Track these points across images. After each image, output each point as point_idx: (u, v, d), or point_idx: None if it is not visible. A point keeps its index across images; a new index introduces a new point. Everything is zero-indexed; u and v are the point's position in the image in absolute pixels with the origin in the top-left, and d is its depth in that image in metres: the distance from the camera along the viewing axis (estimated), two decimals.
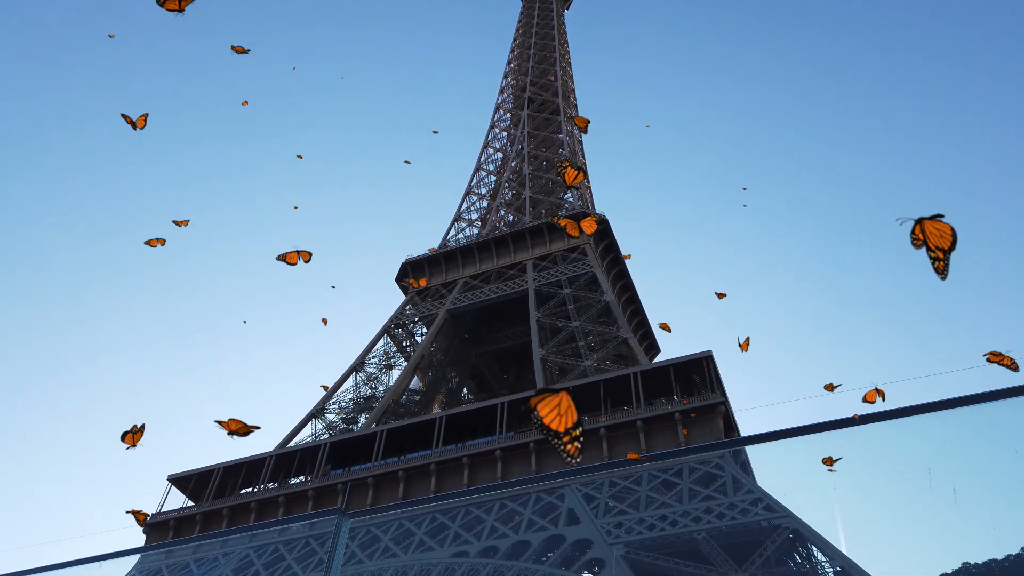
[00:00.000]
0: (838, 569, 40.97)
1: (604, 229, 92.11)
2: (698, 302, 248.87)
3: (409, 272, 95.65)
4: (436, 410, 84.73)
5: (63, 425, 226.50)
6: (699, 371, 58.73)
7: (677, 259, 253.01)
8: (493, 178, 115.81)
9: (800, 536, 43.94)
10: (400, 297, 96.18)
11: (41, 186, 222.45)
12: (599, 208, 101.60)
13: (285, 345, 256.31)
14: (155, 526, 64.51)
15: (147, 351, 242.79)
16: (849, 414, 4.18)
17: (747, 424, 63.79)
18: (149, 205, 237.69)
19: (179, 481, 67.35)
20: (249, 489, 67.00)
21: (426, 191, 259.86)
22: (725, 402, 55.88)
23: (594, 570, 49.31)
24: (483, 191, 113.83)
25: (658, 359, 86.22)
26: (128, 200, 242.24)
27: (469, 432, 64.30)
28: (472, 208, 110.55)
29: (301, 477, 66.31)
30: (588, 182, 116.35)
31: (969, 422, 3.94)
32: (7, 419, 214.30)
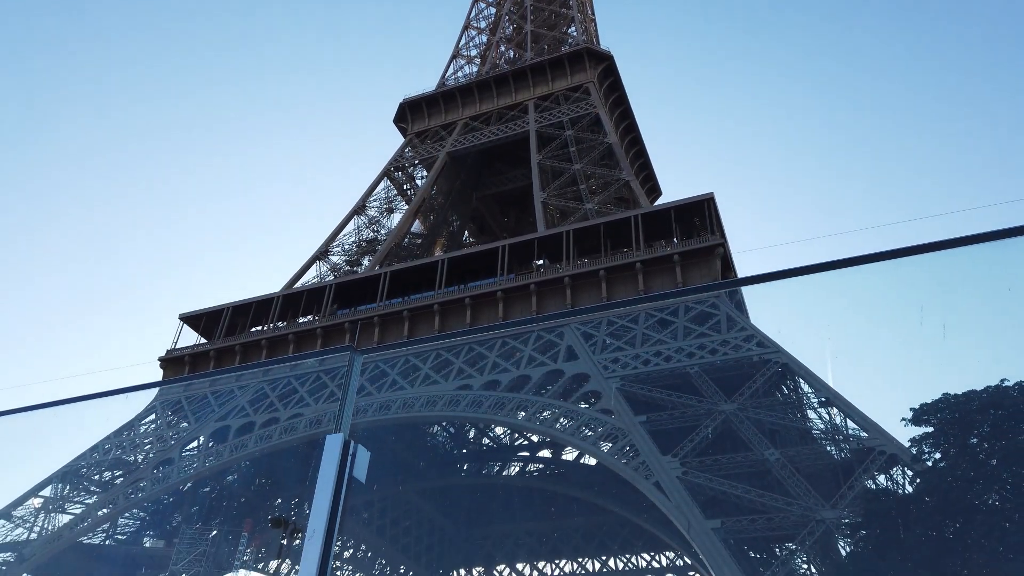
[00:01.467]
0: (823, 399, 43.36)
1: (609, 67, 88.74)
2: (703, 144, 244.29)
3: (407, 113, 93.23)
4: (438, 253, 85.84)
5: (72, 266, 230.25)
6: (700, 214, 58.85)
7: (683, 100, 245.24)
8: (493, 10, 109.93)
9: (789, 370, 46.08)
10: (399, 139, 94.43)
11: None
12: (604, 44, 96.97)
13: (290, 187, 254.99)
14: (171, 362, 67.43)
15: (152, 192, 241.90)
16: (851, 255, 4.20)
17: (746, 267, 64.85)
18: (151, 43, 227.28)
19: (191, 320, 69.54)
20: (258, 328, 69.31)
21: (425, 24, 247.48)
22: (724, 244, 56.47)
23: (591, 401, 52.10)
24: (482, 24, 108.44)
25: (660, 202, 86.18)
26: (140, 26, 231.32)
27: (471, 274, 65.49)
28: (471, 44, 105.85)
29: (308, 317, 68.36)
30: (593, 14, 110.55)
31: (966, 262, 4.01)
32: (12, 261, 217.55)
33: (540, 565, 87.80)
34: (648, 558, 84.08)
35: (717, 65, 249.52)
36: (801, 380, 45.98)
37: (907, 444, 24.31)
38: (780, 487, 38.66)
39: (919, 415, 22.87)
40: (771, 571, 35.40)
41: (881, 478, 38.34)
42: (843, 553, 34.84)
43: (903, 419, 23.41)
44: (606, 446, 45.65)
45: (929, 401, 23.27)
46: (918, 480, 25.80)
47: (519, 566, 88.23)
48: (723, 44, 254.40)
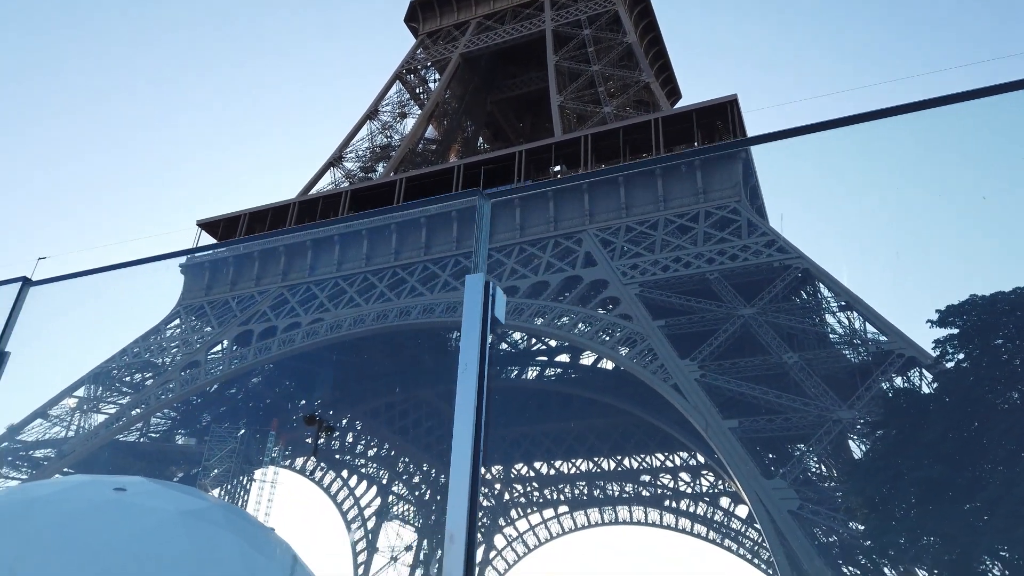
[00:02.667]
0: (843, 303, 43.47)
1: None
2: (725, 45, 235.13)
3: (419, 12, 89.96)
4: (452, 159, 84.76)
5: (85, 164, 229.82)
6: (722, 116, 57.40)
7: None
8: None
9: (809, 275, 46.01)
10: (411, 40, 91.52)
11: None
12: None
13: (303, 91, 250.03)
14: (191, 267, 68.13)
15: (161, 98, 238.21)
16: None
17: (769, 181, 63.35)
18: None
19: (208, 226, 69.77)
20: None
21: None
22: (745, 148, 55.30)
23: (608, 307, 52.53)
24: None
25: (680, 105, 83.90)
26: None
27: (487, 180, 64.80)
28: None
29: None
30: None
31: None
32: (24, 155, 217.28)
33: (556, 464, 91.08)
34: (662, 457, 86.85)
35: None
36: (821, 285, 46.00)
37: (930, 346, 24.46)
38: (797, 389, 39.33)
39: (944, 317, 22.89)
40: (785, 468, 36.46)
41: (899, 380, 38.88)
42: (858, 453, 35.75)
43: (928, 320, 23.43)
44: (625, 350, 46.34)
45: (955, 303, 23.24)
46: (939, 381, 26.05)
47: (536, 464, 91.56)
48: None
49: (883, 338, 40.17)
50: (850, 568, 31.14)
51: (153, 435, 60.88)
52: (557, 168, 62.23)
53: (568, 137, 61.52)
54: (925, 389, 36.22)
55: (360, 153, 77.55)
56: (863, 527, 25.68)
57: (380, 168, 76.93)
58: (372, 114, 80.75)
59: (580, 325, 50.38)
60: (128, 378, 61.07)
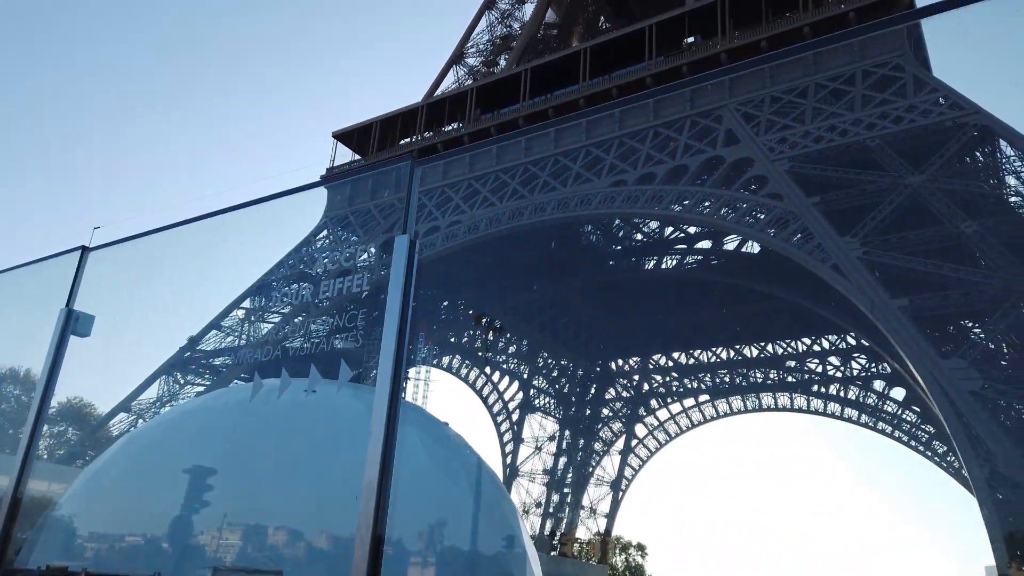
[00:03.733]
0: None
1: None
2: None
3: None
4: (575, 43, 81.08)
5: (219, 83, 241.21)
6: None
7: None
8: None
9: (989, 132, 40.94)
10: None
11: None
12: None
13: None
14: (331, 179, 70.37)
15: (284, 22, 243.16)
16: None
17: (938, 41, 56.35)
18: None
19: (343, 137, 71.33)
20: (407, 140, 70.12)
21: None
22: None
23: (750, 188, 49.43)
24: None
25: None
26: None
27: (617, 62, 61.58)
28: None
29: (454, 124, 68.06)
30: None
31: None
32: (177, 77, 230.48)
33: (696, 353, 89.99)
34: (808, 342, 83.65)
35: None
36: (1003, 143, 40.82)
37: None
38: (975, 262, 35.76)
39: None
40: (964, 347, 33.65)
41: None
42: None
43: None
44: (776, 231, 43.69)
45: None
46: None
47: (675, 355, 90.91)
48: None
49: None
50: None
51: (315, 340, 64.91)
52: (691, 39, 57.94)
53: (701, 3, 56.73)
54: None
55: (481, 47, 75.73)
56: None
57: (502, 61, 74.97)
58: (490, 3, 78.09)
59: (725, 208, 47.85)
60: (286, 288, 65.00)
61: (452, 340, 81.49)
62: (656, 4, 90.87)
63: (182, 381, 58.93)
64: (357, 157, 72.27)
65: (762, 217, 46.51)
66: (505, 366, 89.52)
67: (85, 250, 5.71)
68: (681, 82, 61.23)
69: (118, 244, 6.07)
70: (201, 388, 56.49)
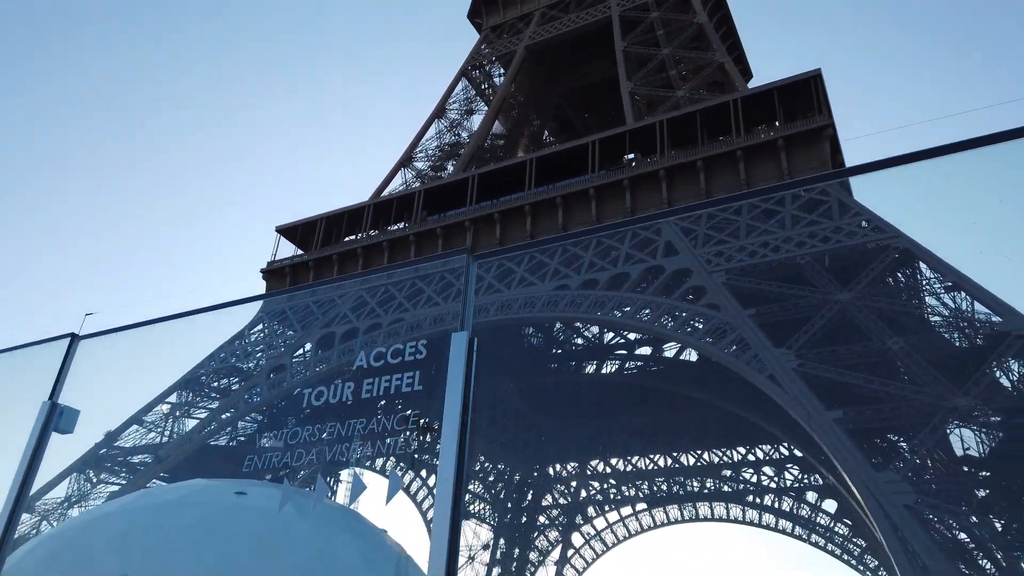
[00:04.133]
0: (948, 284, 40.92)
1: None
2: (800, 21, 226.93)
3: (482, 6, 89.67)
4: (520, 154, 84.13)
5: (167, 184, 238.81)
6: (805, 94, 54.95)
7: None
8: None
9: (909, 255, 43.51)
10: (475, 36, 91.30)
11: None
12: None
13: (369, 94, 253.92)
14: (272, 273, 69.47)
15: (240, 113, 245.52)
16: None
17: (855, 154, 60.71)
18: None
19: (287, 231, 71.01)
20: (352, 237, 70.25)
21: None
22: (832, 125, 52.81)
23: (687, 297, 50.87)
24: None
25: (752, 86, 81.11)
26: None
27: (560, 173, 63.91)
28: None
29: (400, 224, 68.71)
30: None
31: None
32: (106, 175, 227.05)
33: (634, 460, 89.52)
34: (743, 451, 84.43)
35: None
36: (923, 265, 43.40)
37: None
38: (903, 376, 37.14)
39: None
40: (896, 461, 34.43)
41: (1015, 365, 36.32)
42: (979, 442, 33.45)
43: None
44: (714, 341, 44.72)
45: None
46: None
47: (613, 461, 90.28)
48: None
49: (997, 319, 37.55)
50: (985, 563, 29.06)
51: (241, 438, 62.21)
52: (631, 157, 60.77)
53: (642, 124, 60.02)
54: None
55: (430, 152, 77.72)
56: (1000, 522, 23.76)
57: (450, 166, 76.91)
58: (440, 112, 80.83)
59: (665, 316, 48.94)
60: (216, 383, 62.61)
61: (388, 442, 79.29)
62: (599, 121, 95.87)
63: (94, 480, 55.16)
64: (299, 252, 71.82)
65: (700, 326, 47.66)
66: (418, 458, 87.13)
67: (75, 338, 5.31)
68: (645, 219, 63.60)
69: (115, 332, 5.72)
70: (116, 488, 52.90)
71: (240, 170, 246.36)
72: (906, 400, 35.87)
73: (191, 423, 58.12)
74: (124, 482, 53.83)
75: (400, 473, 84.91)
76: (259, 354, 62.25)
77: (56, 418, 5.02)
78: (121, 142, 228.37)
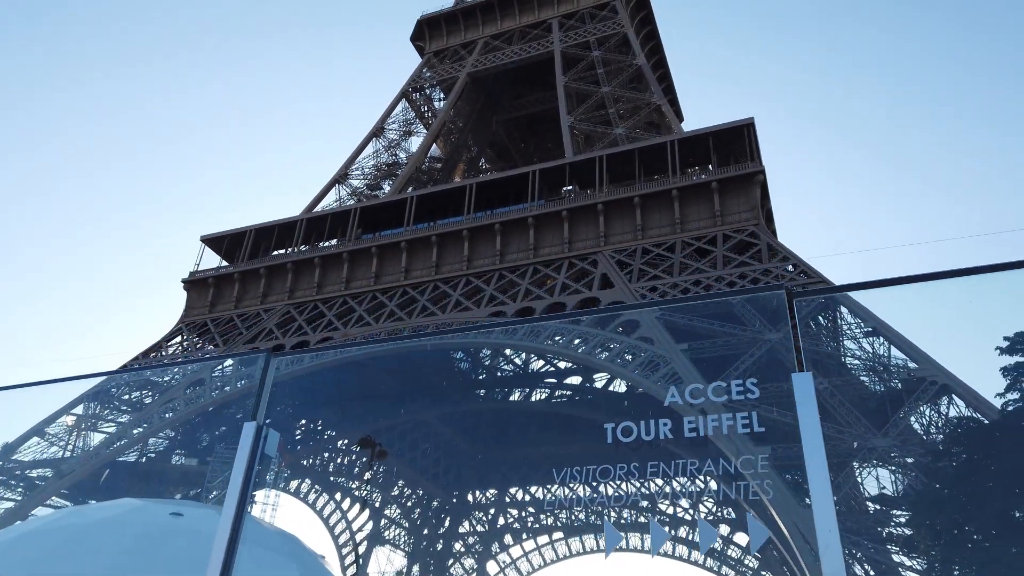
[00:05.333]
0: (869, 329, 43.14)
1: None
2: (728, 70, 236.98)
3: (425, 30, 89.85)
4: (457, 178, 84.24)
5: (90, 183, 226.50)
6: (738, 139, 57.36)
7: (709, 21, 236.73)
8: None
9: (833, 300, 45.65)
10: (417, 59, 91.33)
11: None
12: None
13: (306, 107, 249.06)
14: (195, 283, 66.68)
15: (167, 114, 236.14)
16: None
17: (781, 194, 63.43)
18: None
19: (212, 241, 68.44)
20: (282, 251, 68.38)
21: None
22: (763, 172, 55.23)
23: (619, 330, 51.78)
24: None
25: (686, 128, 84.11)
26: None
27: (499, 200, 64.27)
28: None
29: (333, 241, 67.35)
30: None
31: None
32: (22, 186, 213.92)
33: (553, 488, 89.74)
34: (660, 483, 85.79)
35: None
36: (845, 310, 45.65)
37: (994, 373, 23.91)
38: (829, 416, 38.74)
39: (1015, 343, 22.41)
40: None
41: (927, 410, 38.46)
42: (898, 482, 35.15)
43: (997, 348, 22.91)
44: (647, 373, 45.56)
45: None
46: (1006, 408, 25.55)
47: (532, 489, 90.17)
48: None
49: (913, 365, 39.81)
50: None
51: (151, 455, 59.04)
52: (569, 188, 61.80)
53: (583, 157, 61.19)
54: (968, 413, 35.91)
55: (366, 170, 76.80)
56: (924, 560, 24.98)
57: (386, 186, 76.17)
58: (378, 132, 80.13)
59: (598, 349, 49.59)
60: (127, 396, 59.30)
61: (305, 463, 76.87)
62: (536, 152, 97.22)
63: None
64: (224, 263, 69.32)
65: (630, 359, 48.51)
66: (357, 493, 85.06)
67: (270, 354, 5.07)
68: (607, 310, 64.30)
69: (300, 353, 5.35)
70: (10, 504, 49.01)
71: (164, 176, 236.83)
72: (829, 440, 37.34)
73: (98, 437, 54.76)
74: (20, 498, 50.01)
75: (315, 495, 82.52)
76: (176, 368, 59.38)
77: (262, 441, 4.79)
78: (39, 138, 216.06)
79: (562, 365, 66.07)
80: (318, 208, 71.91)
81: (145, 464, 56.60)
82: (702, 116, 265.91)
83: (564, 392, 69.36)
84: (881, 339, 43.01)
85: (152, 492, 53.76)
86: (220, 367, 58.07)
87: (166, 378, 60.63)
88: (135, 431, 53.63)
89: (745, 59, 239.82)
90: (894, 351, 42.92)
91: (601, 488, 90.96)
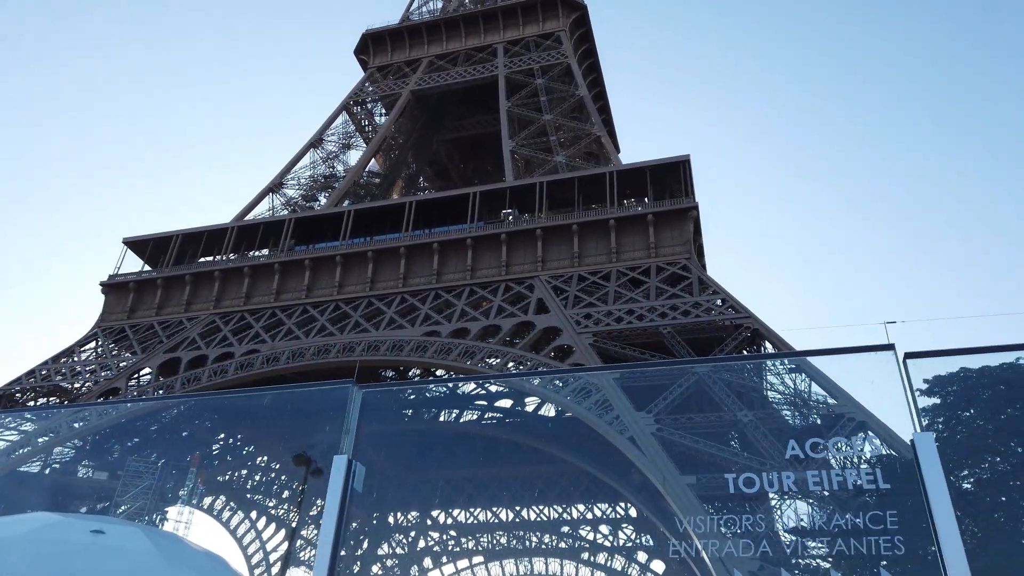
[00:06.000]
0: (792, 366, 44.78)
1: (581, 17, 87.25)
2: (672, 107, 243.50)
3: (370, 45, 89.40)
4: (395, 195, 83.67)
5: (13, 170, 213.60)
6: (674, 174, 59.10)
7: (648, 56, 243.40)
8: None
9: (758, 335, 47.33)
10: (359, 72, 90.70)
11: None
12: None
13: (240, 114, 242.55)
14: (114, 287, 63.77)
15: (94, 108, 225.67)
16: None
17: (712, 228, 65.50)
18: None
19: (135, 245, 65.72)
20: (209, 259, 66.22)
21: None
22: (696, 208, 56.99)
23: (551, 354, 52.22)
24: None
25: (623, 159, 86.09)
26: None
27: (437, 219, 64.17)
28: None
29: (264, 251, 65.67)
30: None
31: None
32: None
33: (476, 511, 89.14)
34: (582, 508, 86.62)
35: (684, 27, 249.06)
36: (769, 345, 47.38)
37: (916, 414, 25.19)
38: (752, 447, 39.94)
39: (932, 387, 23.70)
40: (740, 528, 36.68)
41: (843, 444, 40.07)
42: (811, 516, 36.28)
43: (918, 390, 24.13)
44: (579, 399, 46.02)
45: (944, 374, 24.03)
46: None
47: (455, 512, 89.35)
48: (695, 13, 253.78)
49: (832, 401, 41.52)
50: None
51: (55, 466, 55.73)
52: (509, 212, 62.23)
53: (525, 182, 61.84)
54: (869, 453, 37.54)
55: (302, 181, 75.43)
56: None
57: (322, 198, 74.97)
58: (316, 143, 78.96)
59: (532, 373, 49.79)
60: (33, 402, 55.96)
61: (220, 479, 74.05)
62: (475, 173, 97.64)
63: None
64: (147, 268, 66.61)
65: (559, 384, 48.93)
66: (274, 512, 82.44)
67: (356, 385, 4.89)
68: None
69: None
70: None
71: (89, 175, 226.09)
72: (753, 471, 38.44)
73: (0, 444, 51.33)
74: None
75: (230, 513, 79.45)
76: (89, 374, 56.49)
77: (352, 476, 4.80)
78: None
79: (493, 388, 65.98)
80: (250, 216, 70.11)
81: (48, 475, 53.37)
82: (638, 144, 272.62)
83: (494, 415, 69.27)
84: (803, 375, 44.77)
85: (56, 505, 50.68)
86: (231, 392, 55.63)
87: (75, 385, 57.56)
88: (40, 440, 50.59)
89: (682, 89, 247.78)
90: (814, 387, 44.77)
91: (523, 512, 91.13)
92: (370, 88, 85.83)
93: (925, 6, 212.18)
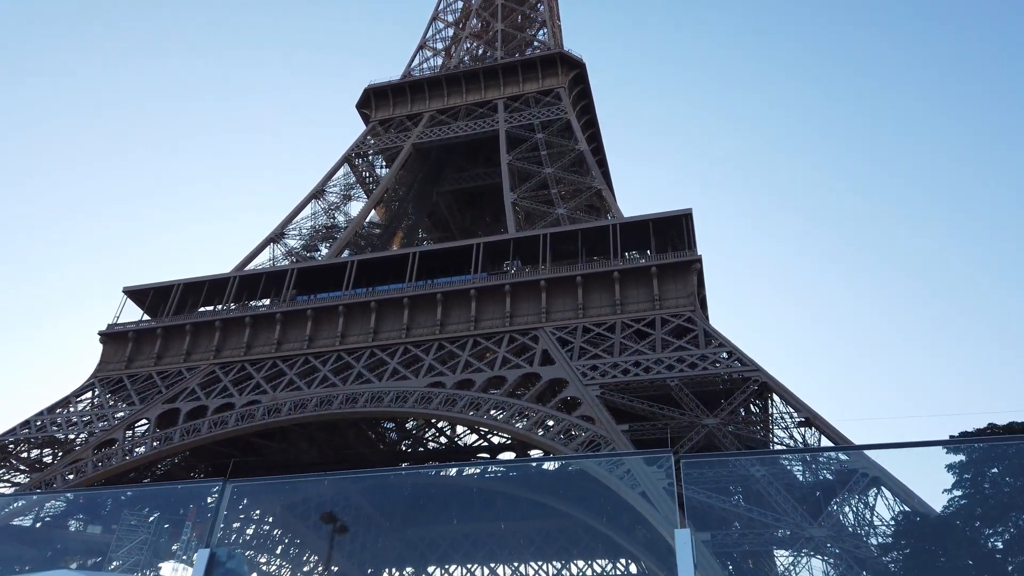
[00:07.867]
0: (802, 419, 44.60)
1: (580, 75, 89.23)
2: (668, 164, 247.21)
3: (372, 99, 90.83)
4: (395, 246, 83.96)
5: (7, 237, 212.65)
6: (676, 227, 59.70)
7: (642, 112, 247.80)
8: (461, 3, 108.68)
9: (767, 388, 47.20)
10: (360, 126, 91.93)
11: None
12: (568, 49, 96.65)
13: (243, 167, 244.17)
14: (112, 337, 63.07)
15: (98, 164, 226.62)
16: None
17: (716, 279, 65.75)
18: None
19: (136, 294, 65.28)
20: (211, 308, 65.82)
21: (393, 9, 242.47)
22: (699, 260, 57.41)
23: (561, 407, 51.74)
24: (450, 18, 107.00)
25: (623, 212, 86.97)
26: None
27: (440, 270, 64.25)
28: (438, 36, 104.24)
29: (265, 301, 65.37)
30: (559, 18, 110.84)
31: None
32: None
33: (473, 567, 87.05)
34: (582, 564, 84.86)
35: (678, 80, 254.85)
36: (778, 399, 47.22)
37: (940, 467, 25.06)
38: (764, 502, 39.46)
39: (958, 442, 23.64)
40: None
41: (856, 502, 39.72)
42: (826, 573, 35.76)
43: (941, 444, 24.05)
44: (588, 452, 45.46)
45: (971, 429, 23.98)
46: (955, 501, 26.61)
47: (451, 568, 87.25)
48: (684, 62, 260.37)
49: (844, 456, 41.26)
50: None
51: (47, 519, 54.21)
52: (511, 263, 62.45)
53: (528, 234, 62.23)
54: (884, 510, 37.27)
55: (303, 231, 75.63)
56: None
57: (323, 248, 75.09)
58: (318, 194, 79.47)
59: (537, 425, 49.33)
60: (26, 454, 54.70)
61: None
62: (475, 225, 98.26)
63: None
64: (146, 317, 66.05)
65: (578, 437, 48.42)
66: (268, 567, 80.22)
67: (227, 482, 4.87)
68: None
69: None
70: None
71: (92, 224, 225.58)
72: (768, 527, 37.99)
73: None
74: None
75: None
76: (85, 426, 55.38)
77: (220, 567, 4.69)
78: None
79: (496, 440, 65.25)
80: (251, 266, 70.00)
81: (40, 529, 51.83)
82: (637, 196, 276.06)
83: (497, 469, 68.29)
84: (813, 429, 44.57)
85: (45, 562, 49.01)
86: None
87: (71, 436, 56.38)
88: (35, 494, 49.30)
89: (679, 143, 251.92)
90: (824, 441, 44.50)
91: (521, 568, 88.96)
92: (372, 141, 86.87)
93: (938, 73, 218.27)
